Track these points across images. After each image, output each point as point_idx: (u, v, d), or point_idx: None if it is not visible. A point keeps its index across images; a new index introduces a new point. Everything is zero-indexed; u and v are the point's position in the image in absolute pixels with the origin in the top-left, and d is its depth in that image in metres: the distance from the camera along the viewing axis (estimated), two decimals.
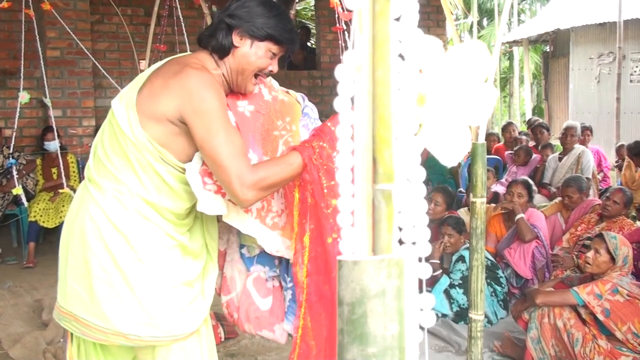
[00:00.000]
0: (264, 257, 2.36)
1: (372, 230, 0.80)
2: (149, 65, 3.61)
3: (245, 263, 2.38)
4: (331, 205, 2.03)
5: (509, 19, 17.09)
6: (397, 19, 0.83)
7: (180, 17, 5.29)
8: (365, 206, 0.79)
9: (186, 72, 1.96)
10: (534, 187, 5.41)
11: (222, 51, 2.07)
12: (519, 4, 19.14)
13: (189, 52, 2.24)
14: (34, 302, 4.74)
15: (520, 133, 8.65)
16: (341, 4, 3.58)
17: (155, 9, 4.86)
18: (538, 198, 5.98)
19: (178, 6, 5.27)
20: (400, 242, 0.83)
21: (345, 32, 3.74)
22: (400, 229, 0.82)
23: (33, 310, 4.59)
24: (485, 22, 19.74)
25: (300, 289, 2.11)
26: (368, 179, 0.80)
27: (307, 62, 8.87)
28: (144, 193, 1.99)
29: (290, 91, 2.40)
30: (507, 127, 8.42)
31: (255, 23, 2.06)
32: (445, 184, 6.10)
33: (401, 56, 0.88)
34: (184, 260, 2.10)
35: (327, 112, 8.01)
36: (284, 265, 2.35)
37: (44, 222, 6.03)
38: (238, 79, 2.11)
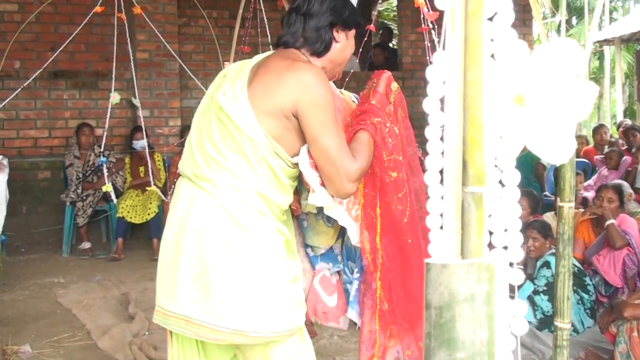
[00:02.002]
0: (328, 255, 2.41)
1: (461, 234, 0.79)
2: None
3: (311, 261, 2.42)
4: (391, 177, 2.11)
5: (600, 17, 16.46)
6: (490, 19, 0.81)
7: (265, 19, 5.38)
8: (455, 209, 0.78)
9: (299, 66, 1.99)
10: (632, 192, 5.18)
11: (325, 49, 2.12)
12: (610, 2, 18.42)
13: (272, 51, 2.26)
14: (121, 295, 4.92)
15: (610, 136, 8.33)
16: (427, 4, 3.54)
17: (240, 11, 4.95)
18: (633, 204, 5.73)
19: (262, 8, 5.36)
20: (490, 246, 0.81)
21: (432, 32, 3.69)
22: (491, 233, 0.81)
23: (120, 303, 4.76)
24: (574, 20, 19.10)
25: (374, 252, 2.17)
26: (458, 181, 0.79)
27: (388, 62, 8.82)
28: (261, 188, 2.00)
29: (344, 91, 2.40)
30: (598, 130, 8.11)
31: (345, 14, 2.12)
32: (530, 188, 5.94)
33: (492, 56, 0.86)
34: (289, 256, 2.12)
35: (408, 113, 7.92)
36: (345, 259, 2.37)
37: (131, 218, 6.25)
38: (334, 71, 2.17)
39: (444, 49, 0.82)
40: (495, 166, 0.80)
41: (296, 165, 2.05)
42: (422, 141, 4.87)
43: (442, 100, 0.85)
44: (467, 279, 0.73)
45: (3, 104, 5.48)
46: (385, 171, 2.10)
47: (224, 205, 1.98)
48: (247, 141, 1.98)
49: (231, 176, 2.00)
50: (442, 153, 0.81)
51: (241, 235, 1.98)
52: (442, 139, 0.82)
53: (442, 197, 0.81)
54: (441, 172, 0.83)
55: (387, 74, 2.22)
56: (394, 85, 2.21)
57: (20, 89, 5.53)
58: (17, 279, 5.40)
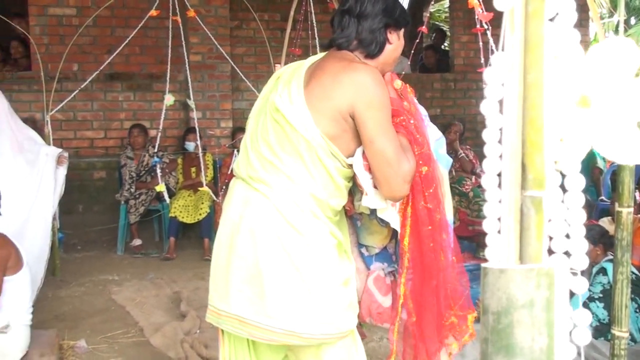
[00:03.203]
0: (383, 255, 2.39)
1: (519, 238, 0.77)
2: None
3: (365, 261, 2.41)
4: (422, 172, 2.09)
5: None
6: (551, 19, 0.80)
7: (314, 21, 5.40)
8: (513, 213, 0.76)
9: (356, 67, 2.00)
10: None
11: (379, 51, 2.13)
12: None
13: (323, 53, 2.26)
14: (173, 294, 5.00)
15: None
16: (481, 4, 3.49)
17: (292, 13, 4.98)
18: None
19: (313, 11, 5.38)
20: (550, 251, 0.80)
21: (486, 34, 3.64)
22: (551, 238, 0.79)
23: (172, 302, 4.83)
24: (632, 20, 18.58)
25: (402, 254, 2.15)
26: (516, 185, 0.77)
27: (440, 64, 8.74)
28: (315, 190, 2.01)
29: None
30: None
31: (396, 14, 2.12)
32: (587, 192, 5.81)
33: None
34: (341, 258, 2.13)
35: (460, 116, 7.85)
36: (398, 259, 2.35)
37: (183, 218, 6.34)
38: (384, 71, 2.17)
39: (503, 50, 0.81)
40: (556, 170, 0.79)
41: (351, 166, 2.06)
42: (475, 143, 4.84)
43: (500, 103, 0.84)
44: (525, 284, 0.72)
45: (61, 105, 5.65)
46: (417, 167, 2.10)
47: (278, 207, 2.00)
48: (303, 142, 1.99)
49: (286, 178, 2.01)
50: (500, 156, 0.80)
51: (295, 237, 1.99)
52: (500, 141, 0.80)
53: (499, 201, 0.80)
54: (499, 175, 0.82)
55: (386, 76, 2.19)
56: (397, 83, 2.21)
57: (77, 91, 5.69)
58: (73, 275, 5.54)
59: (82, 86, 5.71)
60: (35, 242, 4.31)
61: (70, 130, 6.99)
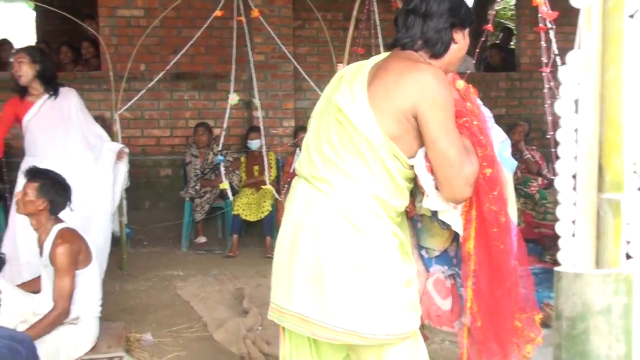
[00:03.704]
0: (443, 257, 2.36)
1: (595, 242, 0.75)
2: None
3: (425, 263, 2.39)
4: (486, 174, 2.06)
5: None
6: (631, 16, 0.77)
7: (377, 20, 5.38)
8: (589, 216, 0.74)
9: (420, 67, 1.99)
10: None
11: (445, 50, 2.11)
12: None
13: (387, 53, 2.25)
14: (235, 290, 5.07)
15: None
16: (546, 2, 3.41)
17: (354, 13, 4.97)
18: None
19: (376, 10, 5.36)
20: (627, 256, 0.77)
21: (549, 32, 3.55)
22: (628, 242, 0.76)
23: (235, 298, 4.90)
24: None
25: (467, 257, 2.12)
26: (592, 187, 0.75)
27: (505, 63, 8.57)
28: (377, 190, 2.01)
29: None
30: None
31: (462, 13, 2.09)
32: None
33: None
34: (404, 259, 2.12)
35: (525, 115, 7.69)
36: (459, 262, 2.32)
37: (246, 215, 6.42)
38: (448, 70, 2.15)
39: (579, 48, 0.79)
40: (634, 172, 0.76)
41: (413, 167, 2.04)
42: (541, 144, 4.72)
43: (575, 102, 0.81)
44: (603, 289, 0.70)
45: (129, 104, 5.80)
46: (480, 169, 2.07)
47: (340, 207, 2.00)
48: (365, 142, 1.99)
49: (348, 178, 2.01)
50: (575, 157, 0.78)
51: (357, 237, 1.99)
52: (575, 142, 0.78)
53: (574, 204, 0.77)
54: (573, 177, 0.79)
55: (448, 77, 2.16)
56: (460, 84, 2.17)
57: (144, 90, 5.84)
58: (140, 270, 5.69)
59: (149, 85, 5.85)
60: (97, 236, 4.44)
61: (137, 129, 7.17)
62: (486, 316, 2.12)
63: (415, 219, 2.34)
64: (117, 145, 4.83)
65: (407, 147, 2.02)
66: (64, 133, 4.51)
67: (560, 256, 0.77)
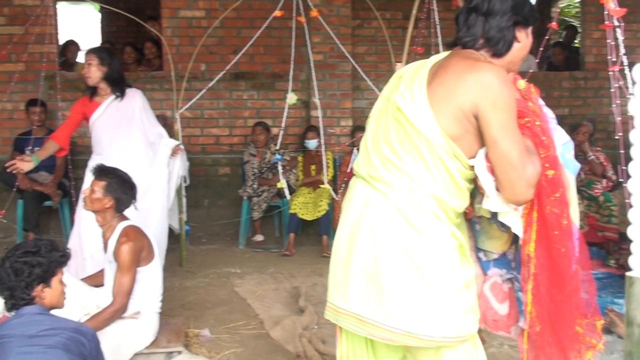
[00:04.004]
0: (501, 261, 2.32)
1: None
2: None
3: (482, 266, 2.35)
4: (547, 176, 2.01)
5: None
6: None
7: (437, 19, 5.32)
8: None
9: (481, 67, 1.97)
10: None
11: (507, 49, 2.07)
12: None
13: (448, 52, 2.22)
14: (292, 289, 5.09)
15: None
16: None
17: (414, 12, 4.93)
18: None
19: (435, 8, 5.30)
20: None
21: (616, 30, 3.43)
22: None
23: (291, 296, 4.93)
24: None
25: (527, 260, 2.08)
26: None
27: (569, 62, 8.36)
28: (437, 191, 1.99)
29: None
30: None
31: (525, 11, 2.06)
32: None
33: None
34: (463, 261, 2.09)
35: (590, 116, 7.48)
36: (518, 265, 2.27)
37: (303, 214, 6.45)
38: (510, 70, 2.12)
39: None
40: None
41: (473, 167, 2.01)
42: (605, 145, 4.58)
43: None
44: None
45: (190, 103, 5.90)
46: (542, 170, 2.02)
47: (399, 207, 1.98)
48: (425, 142, 1.97)
49: (407, 179, 1.99)
50: None
51: (416, 238, 1.97)
52: None
53: None
54: None
55: (509, 76, 2.10)
56: (521, 84, 2.11)
57: (205, 90, 5.92)
58: (199, 267, 5.78)
59: (209, 85, 5.93)
60: (155, 232, 4.53)
61: (197, 128, 7.29)
62: (546, 321, 2.08)
63: (474, 221, 2.30)
64: (174, 142, 4.92)
65: (467, 148, 1.99)
66: (127, 133, 4.63)
67: (631, 261, 0.74)
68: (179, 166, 5.07)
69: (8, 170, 4.51)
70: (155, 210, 4.72)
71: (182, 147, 5.02)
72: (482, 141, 1.99)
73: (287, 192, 5.91)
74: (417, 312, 1.97)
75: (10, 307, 2.58)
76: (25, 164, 4.44)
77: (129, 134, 4.65)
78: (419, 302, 1.97)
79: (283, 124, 5.66)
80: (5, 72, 6.73)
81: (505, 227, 2.16)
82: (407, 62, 4.88)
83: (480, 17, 2.08)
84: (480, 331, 2.24)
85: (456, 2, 5.09)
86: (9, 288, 2.53)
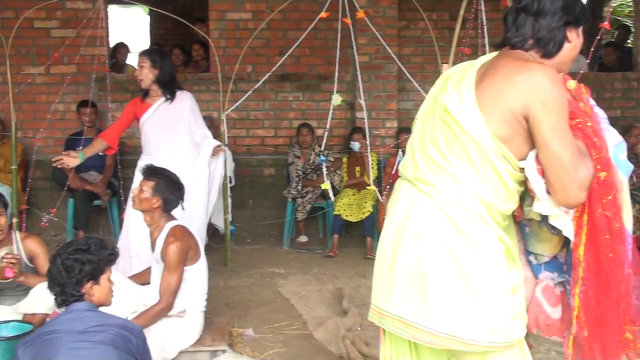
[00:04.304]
0: (553, 264, 2.27)
1: None
2: None
3: (533, 270, 2.30)
4: (600, 178, 1.98)
5: None
6: None
7: (484, 19, 5.25)
8: None
9: (532, 67, 1.94)
10: None
11: (558, 50, 2.04)
12: None
13: (496, 52, 2.19)
14: (335, 290, 5.10)
15: None
16: None
17: (461, 12, 4.88)
18: None
19: (483, 9, 5.24)
20: None
21: None
22: None
23: (334, 297, 4.93)
24: None
25: (577, 264, 2.05)
26: None
27: (621, 63, 8.16)
28: (484, 194, 1.98)
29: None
30: None
31: (577, 11, 2.02)
32: None
33: None
34: (510, 265, 2.07)
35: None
36: (570, 269, 2.22)
37: (347, 216, 6.44)
38: (560, 70, 2.08)
39: None
40: None
41: (523, 169, 1.98)
42: None
43: None
44: None
45: (236, 105, 5.96)
46: (595, 172, 1.98)
47: (445, 210, 1.97)
48: (473, 144, 1.95)
49: (454, 181, 1.98)
50: None
51: (462, 241, 1.95)
52: None
53: None
54: None
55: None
56: (571, 84, 2.06)
57: (251, 91, 5.97)
58: (243, 267, 5.83)
59: (255, 87, 5.98)
60: (195, 232, 4.58)
61: (243, 129, 7.35)
62: (593, 326, 2.04)
63: (523, 224, 2.27)
64: (216, 142, 4.96)
65: (517, 149, 1.97)
66: (175, 134, 4.71)
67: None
68: (221, 166, 5.12)
69: (54, 165, 4.66)
70: (196, 210, 4.78)
71: (224, 147, 5.07)
72: (532, 143, 1.96)
73: (331, 193, 5.90)
74: (462, 316, 1.95)
75: (60, 304, 2.64)
76: (71, 159, 4.57)
77: (177, 135, 4.72)
78: (464, 306, 1.95)
79: (328, 125, 5.67)
80: (57, 74, 6.91)
81: (555, 230, 2.13)
82: (454, 63, 4.81)
83: (530, 17, 2.05)
84: (527, 336, 2.20)
85: (505, 2, 5.01)
86: (59, 284, 2.60)
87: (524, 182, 2.03)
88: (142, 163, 4.44)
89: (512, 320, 2.00)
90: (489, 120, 1.94)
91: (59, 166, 4.66)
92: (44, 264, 3.63)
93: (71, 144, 6.41)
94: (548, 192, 1.98)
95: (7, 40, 5.41)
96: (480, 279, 1.95)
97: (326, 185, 5.58)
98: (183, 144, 4.75)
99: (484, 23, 5.28)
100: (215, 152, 4.94)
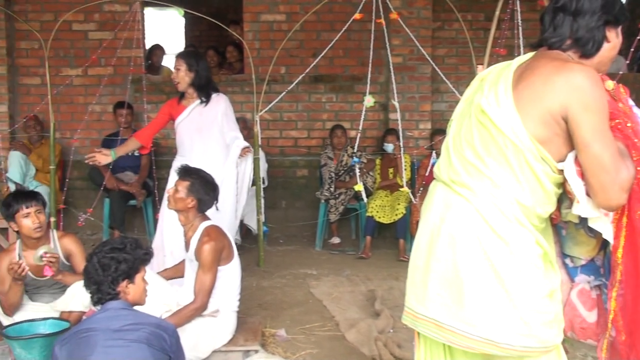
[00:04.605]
0: (590, 267, 2.24)
1: None
2: None
3: (569, 273, 2.27)
4: None
5: None
6: None
7: (519, 20, 5.19)
8: None
9: (571, 68, 1.92)
10: None
11: (597, 50, 2.01)
12: None
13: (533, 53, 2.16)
14: (367, 292, 5.08)
15: None
16: None
17: (497, 13, 4.83)
18: None
19: (519, 9, 5.18)
20: None
21: None
22: None
23: (367, 299, 4.91)
24: None
25: (615, 267, 2.01)
26: None
27: None
28: (521, 197, 1.95)
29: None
30: None
31: (616, 10, 1.99)
32: None
33: None
34: (547, 269, 2.04)
35: None
36: (607, 272, 2.18)
37: (379, 217, 6.42)
38: (599, 71, 2.04)
39: None
40: None
41: (562, 171, 1.95)
42: None
43: None
44: None
45: (270, 106, 5.98)
46: (636, 173, 1.94)
47: (481, 213, 1.95)
48: (511, 146, 1.93)
49: (491, 184, 1.96)
50: None
51: (498, 244, 1.93)
52: None
53: None
54: None
55: None
56: (609, 84, 2.02)
57: (284, 93, 5.99)
58: (276, 267, 5.85)
59: (289, 88, 6.00)
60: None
61: (276, 130, 7.38)
62: (630, 331, 2.00)
63: (560, 226, 2.24)
64: (244, 144, 4.94)
65: (555, 151, 1.94)
66: (208, 136, 4.75)
67: None
68: (250, 168, 5.10)
69: (87, 161, 4.76)
70: (224, 210, 4.81)
71: (251, 148, 5.06)
72: (571, 144, 1.93)
73: (364, 194, 5.89)
74: (498, 320, 1.93)
75: (96, 302, 2.68)
76: (103, 157, 4.65)
77: (210, 137, 4.76)
78: (500, 310, 1.93)
79: (360, 127, 5.66)
80: (95, 76, 7.02)
81: (593, 233, 2.10)
82: (489, 65, 4.78)
83: (568, 17, 2.02)
84: (563, 341, 2.17)
85: (541, 2, 4.96)
86: (96, 282, 2.64)
87: (562, 184, 2.01)
88: (176, 164, 4.49)
89: (548, 325, 1.97)
90: (527, 122, 1.92)
91: (90, 163, 4.74)
92: (80, 263, 3.69)
93: (107, 144, 6.49)
94: (587, 194, 1.94)
95: (47, 42, 5.53)
96: (517, 283, 1.93)
97: (359, 187, 5.57)
98: (215, 146, 4.79)
99: (520, 23, 5.22)
100: (243, 153, 4.94)
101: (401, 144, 6.07)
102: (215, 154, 4.76)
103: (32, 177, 6.60)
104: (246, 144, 4.97)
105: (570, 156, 1.95)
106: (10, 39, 7.14)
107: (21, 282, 3.56)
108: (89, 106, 6.63)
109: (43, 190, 5.83)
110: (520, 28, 5.22)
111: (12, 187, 6.32)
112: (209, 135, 4.75)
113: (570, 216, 2.08)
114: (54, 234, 3.85)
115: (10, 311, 3.64)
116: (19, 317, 3.62)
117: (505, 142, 1.94)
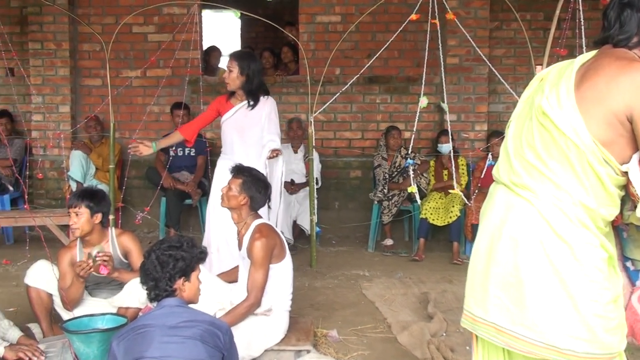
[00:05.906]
0: None
1: None
2: None
3: (630, 276, 2.21)
4: None
5: None
6: None
7: (582, 19, 5.06)
8: None
9: (637, 67, 1.86)
10: None
11: None
12: None
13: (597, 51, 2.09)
14: (420, 294, 5.03)
15: None
16: None
17: (557, 12, 4.72)
18: None
19: (581, 8, 5.05)
20: None
21: None
22: None
23: (420, 302, 4.87)
24: None
25: None
26: None
27: None
28: (586, 199, 1.91)
29: None
30: None
31: None
32: None
33: None
34: (611, 273, 1.98)
35: None
36: None
37: (433, 220, 6.36)
38: None
39: None
40: None
41: (625, 173, 1.89)
42: None
43: None
44: None
45: (324, 107, 5.99)
46: None
47: (544, 215, 1.91)
48: (574, 148, 1.88)
49: (553, 186, 1.91)
50: None
51: (562, 248, 1.89)
52: None
53: None
54: None
55: None
56: None
57: (339, 94, 5.99)
58: (328, 268, 5.85)
59: (343, 89, 6.00)
60: None
61: (330, 131, 7.39)
62: None
63: (621, 228, 2.18)
64: (275, 145, 4.87)
65: (619, 153, 1.88)
66: (249, 138, 4.77)
67: None
68: (279, 170, 5.00)
69: (129, 152, 4.89)
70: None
71: (279, 150, 4.98)
72: (635, 146, 1.87)
73: (417, 196, 5.83)
74: (561, 326, 1.88)
75: (152, 298, 2.74)
76: (144, 148, 4.76)
77: (251, 139, 4.77)
78: (564, 315, 1.88)
79: (415, 128, 5.61)
80: (153, 77, 7.17)
81: None
82: (548, 65, 4.67)
83: (636, 13, 1.94)
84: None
85: (604, 0, 4.82)
86: (154, 279, 2.69)
87: (625, 187, 1.94)
88: (220, 162, 4.52)
89: (612, 331, 1.92)
90: (590, 123, 1.86)
91: (132, 153, 4.84)
92: (137, 260, 3.77)
93: None
94: None
95: (108, 45, 5.67)
96: (581, 288, 1.88)
97: (413, 189, 5.52)
98: (255, 147, 4.78)
99: (582, 23, 5.09)
100: (272, 154, 4.89)
101: (450, 145, 5.96)
102: (255, 156, 4.76)
103: (92, 176, 6.78)
104: (278, 145, 4.89)
105: (635, 158, 1.89)
106: (73, 42, 7.36)
107: (84, 279, 3.66)
108: (148, 107, 6.78)
109: (103, 188, 5.97)
110: (582, 27, 5.09)
111: (74, 186, 6.52)
112: (250, 136, 4.77)
113: (632, 218, 2.02)
114: (112, 232, 3.94)
115: (70, 306, 3.74)
116: (78, 312, 3.72)
117: (568, 144, 1.89)
